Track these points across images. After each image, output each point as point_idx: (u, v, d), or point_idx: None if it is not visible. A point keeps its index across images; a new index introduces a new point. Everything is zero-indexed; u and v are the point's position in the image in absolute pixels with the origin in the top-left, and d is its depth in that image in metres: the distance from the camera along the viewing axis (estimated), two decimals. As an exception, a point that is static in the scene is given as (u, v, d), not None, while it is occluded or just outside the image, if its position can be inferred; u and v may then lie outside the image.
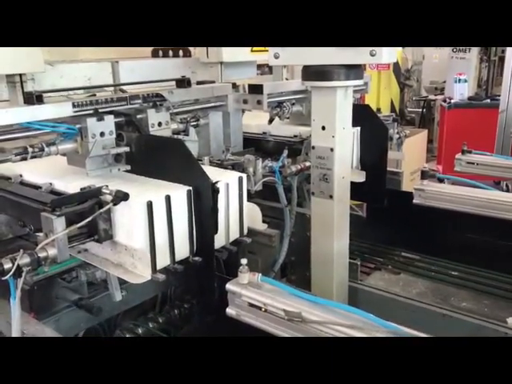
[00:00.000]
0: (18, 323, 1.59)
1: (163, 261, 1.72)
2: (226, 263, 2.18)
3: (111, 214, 1.70)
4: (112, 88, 2.59)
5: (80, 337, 2.11)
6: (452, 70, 7.42)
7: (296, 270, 2.70)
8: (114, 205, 1.64)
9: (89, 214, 1.63)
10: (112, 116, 1.94)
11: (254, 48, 3.13)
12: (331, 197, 2.22)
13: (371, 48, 1.87)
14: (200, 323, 2.33)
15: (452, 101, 7.08)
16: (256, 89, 2.69)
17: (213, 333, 2.01)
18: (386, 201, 2.87)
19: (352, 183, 2.32)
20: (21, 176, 2.04)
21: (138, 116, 2.01)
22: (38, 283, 1.83)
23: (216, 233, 1.85)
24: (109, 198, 1.64)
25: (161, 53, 3.45)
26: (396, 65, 8.30)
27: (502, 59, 7.27)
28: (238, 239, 2.00)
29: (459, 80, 7.13)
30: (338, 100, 2.09)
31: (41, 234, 1.60)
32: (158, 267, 1.69)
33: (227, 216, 1.92)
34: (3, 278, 1.49)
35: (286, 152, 2.47)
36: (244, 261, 1.64)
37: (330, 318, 1.46)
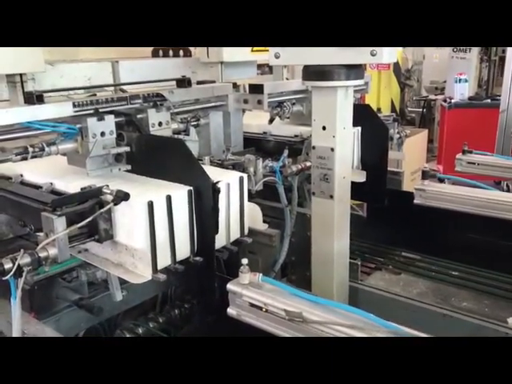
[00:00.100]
0: (19, 323, 1.59)
1: (164, 261, 1.72)
2: (226, 263, 2.17)
3: (112, 214, 1.70)
4: (112, 88, 2.59)
5: (80, 337, 2.11)
6: (452, 70, 7.42)
7: (296, 270, 2.70)
8: (115, 205, 1.64)
9: (89, 213, 1.63)
10: (112, 116, 1.94)
11: (255, 48, 3.14)
12: (332, 197, 2.22)
13: (372, 48, 1.87)
14: (200, 323, 2.33)
15: (452, 101, 7.08)
16: (256, 88, 2.69)
17: (213, 333, 2.01)
18: (386, 201, 2.87)
19: (352, 183, 2.31)
20: (21, 176, 2.04)
21: (139, 116, 2.01)
22: (38, 283, 1.84)
23: (217, 233, 1.85)
24: (109, 197, 1.64)
25: (161, 53, 3.45)
26: (396, 65, 8.31)
27: (502, 59, 7.27)
28: (238, 239, 2.00)
29: (459, 80, 7.12)
30: (338, 100, 2.09)
31: (41, 234, 1.60)
32: (159, 267, 1.69)
33: (228, 216, 1.92)
34: (4, 278, 1.49)
35: (286, 152, 2.47)
36: (245, 261, 1.64)
37: (331, 318, 1.46)
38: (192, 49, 3.47)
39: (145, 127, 2.00)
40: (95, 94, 2.25)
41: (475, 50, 7.45)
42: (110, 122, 1.93)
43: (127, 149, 1.94)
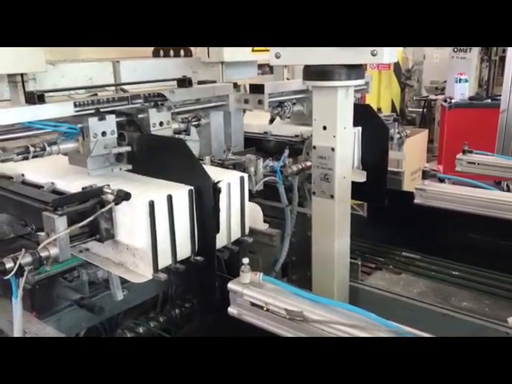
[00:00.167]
0: (20, 322, 1.59)
1: (165, 260, 1.72)
2: (227, 263, 2.18)
3: (113, 214, 1.70)
4: (113, 88, 2.59)
5: (81, 336, 2.11)
6: (453, 70, 7.42)
7: (297, 270, 2.70)
8: (116, 204, 1.64)
9: (90, 213, 1.63)
10: (113, 116, 1.94)
11: (255, 48, 3.13)
12: (332, 196, 2.22)
13: (372, 48, 1.87)
14: (201, 323, 2.33)
15: (453, 101, 7.07)
16: (257, 88, 2.69)
17: (214, 332, 2.01)
18: (386, 201, 2.87)
19: (353, 183, 2.32)
20: (23, 175, 2.04)
21: (140, 116, 2.01)
22: (39, 282, 1.84)
23: (218, 232, 1.85)
24: (110, 197, 1.64)
25: (162, 52, 3.45)
26: (397, 65, 8.31)
27: (502, 59, 7.27)
28: (239, 239, 2.00)
29: (460, 80, 7.12)
30: (339, 100, 2.10)
31: (42, 234, 1.60)
32: (160, 266, 1.70)
33: (229, 216, 1.92)
34: (5, 278, 1.50)
35: (287, 152, 2.47)
36: (246, 260, 1.64)
37: (332, 317, 1.47)
38: (193, 49, 3.46)
39: (146, 127, 2.01)
40: (96, 94, 2.26)
41: (475, 50, 7.45)
42: (111, 121, 1.93)
43: (128, 148, 1.94)
